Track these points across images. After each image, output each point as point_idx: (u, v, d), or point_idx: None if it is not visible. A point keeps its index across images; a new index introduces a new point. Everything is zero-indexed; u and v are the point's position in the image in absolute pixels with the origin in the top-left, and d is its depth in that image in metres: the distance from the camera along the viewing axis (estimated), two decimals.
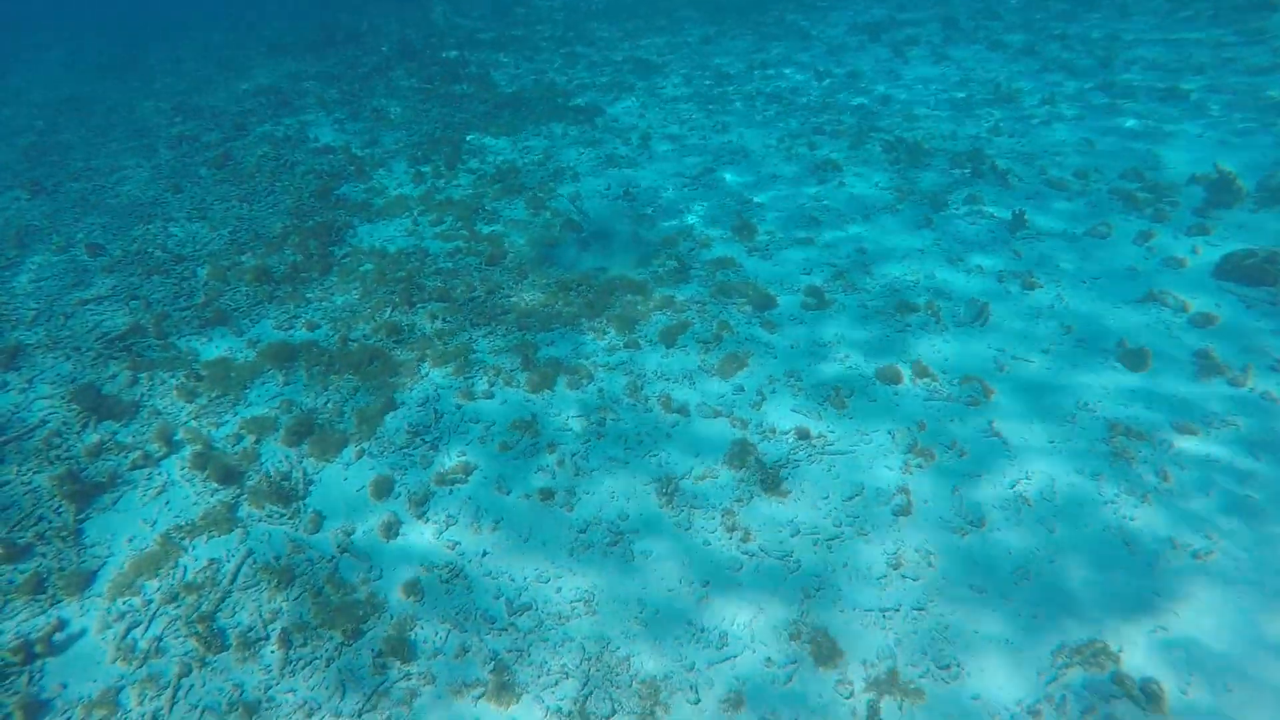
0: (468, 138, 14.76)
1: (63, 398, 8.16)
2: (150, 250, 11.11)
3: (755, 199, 11.67)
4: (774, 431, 7.21)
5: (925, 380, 7.70)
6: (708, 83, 17.15)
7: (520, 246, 10.64)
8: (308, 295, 9.92)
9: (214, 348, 8.95)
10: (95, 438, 7.60)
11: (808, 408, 7.45)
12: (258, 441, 7.44)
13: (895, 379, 7.70)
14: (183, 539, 6.45)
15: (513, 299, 9.40)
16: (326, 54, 21.56)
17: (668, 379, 7.93)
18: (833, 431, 7.16)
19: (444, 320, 9.12)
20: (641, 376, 7.98)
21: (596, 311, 9.00)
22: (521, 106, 16.13)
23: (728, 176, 12.45)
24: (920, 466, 6.73)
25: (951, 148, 12.72)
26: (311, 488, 6.95)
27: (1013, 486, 6.47)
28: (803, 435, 7.07)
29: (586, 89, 17.36)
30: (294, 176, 13.58)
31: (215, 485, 6.96)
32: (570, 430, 7.38)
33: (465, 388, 7.98)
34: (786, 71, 17.46)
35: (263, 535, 6.49)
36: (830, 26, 20.55)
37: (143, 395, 8.17)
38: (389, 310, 9.41)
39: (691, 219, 11.16)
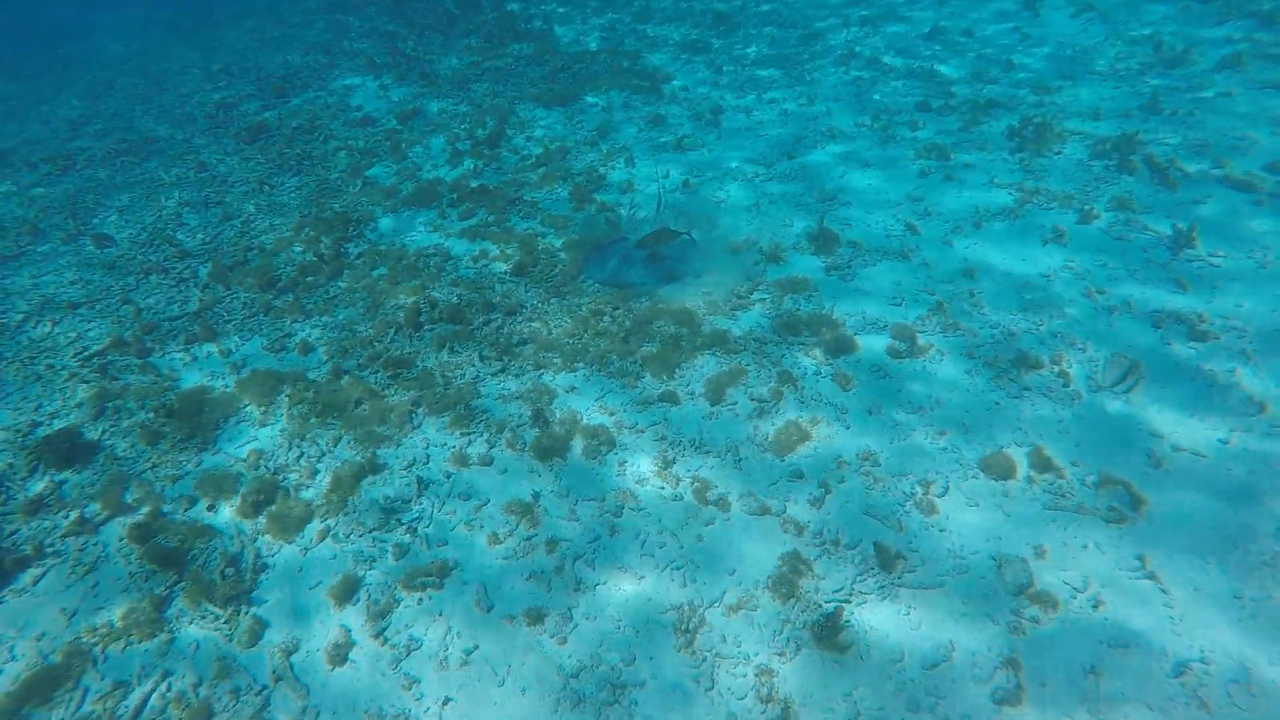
0: (517, 108, 13.12)
1: (18, 430, 7.17)
2: (157, 242, 10.07)
3: (840, 196, 9.64)
4: (838, 545, 5.48)
5: (1047, 477, 5.78)
6: (793, 41, 14.85)
7: (555, 251, 9.04)
8: (308, 306, 8.65)
9: (195, 371, 7.80)
10: (40, 486, 6.57)
11: (886, 511, 5.68)
12: (212, 508, 6.23)
13: (1005, 472, 5.81)
14: (95, 645, 5.31)
15: (535, 324, 7.86)
16: (385, 7, 20.14)
17: (707, 452, 6.27)
18: (916, 552, 5.38)
19: (451, 350, 7.68)
20: (675, 445, 6.35)
21: (631, 348, 7.36)
22: (581, 70, 14.33)
23: (809, 164, 10.41)
24: (1037, 623, 4.91)
25: (1093, 131, 10.26)
26: (260, 578, 5.69)
27: (1179, 675, 4.58)
28: (883, 561, 5.31)
29: (657, 47, 15.36)
30: (325, 153, 12.31)
31: (152, 567, 5.79)
32: (578, 520, 5.85)
33: (460, 448, 6.55)
34: (888, 29, 14.94)
35: (188, 647, 5.29)
36: None
37: (105, 433, 7.09)
38: (392, 333, 8.03)
39: (758, 222, 9.26)
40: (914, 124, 11.15)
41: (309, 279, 9.15)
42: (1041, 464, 5.82)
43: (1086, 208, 8.61)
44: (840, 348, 7.11)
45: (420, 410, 7.01)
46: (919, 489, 5.77)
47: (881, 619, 5.02)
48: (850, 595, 5.15)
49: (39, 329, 8.70)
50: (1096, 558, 5.19)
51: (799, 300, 7.84)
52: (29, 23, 26.30)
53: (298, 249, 9.72)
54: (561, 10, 18.31)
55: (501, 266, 8.91)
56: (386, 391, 7.26)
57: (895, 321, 7.40)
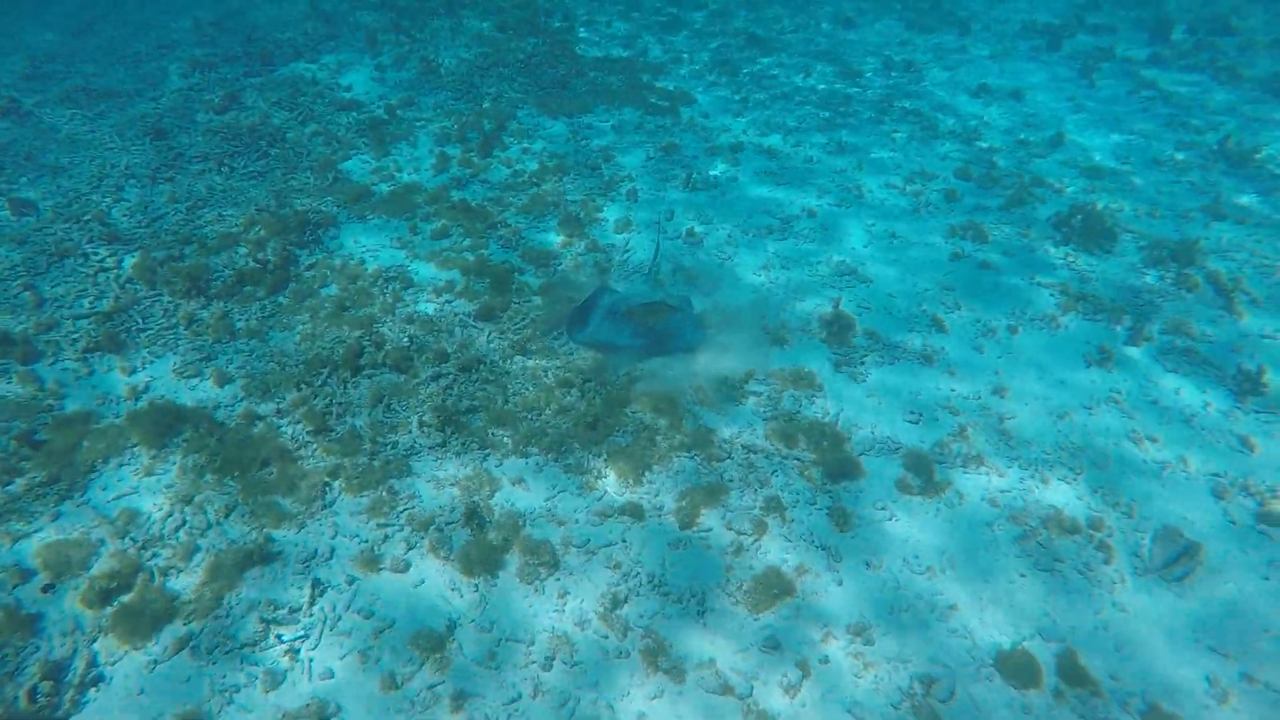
0: (519, 113, 11.93)
1: None
2: (86, 218, 8.83)
3: (859, 270, 8.52)
4: None
5: (1081, 692, 4.68)
6: (829, 79, 13.72)
7: (530, 294, 7.89)
8: (236, 325, 7.45)
9: (85, 390, 6.59)
10: None
11: (877, 713, 4.56)
12: (51, 587, 5.05)
13: (1027, 678, 4.71)
14: None
15: (490, 387, 6.70)
16: None
17: (666, 594, 5.14)
18: None
19: (388, 408, 6.51)
20: (630, 579, 5.22)
21: (598, 435, 6.22)
22: (595, 79, 13.15)
23: (830, 229, 9.29)
24: None
25: (1150, 231, 9.19)
26: (86, 697, 4.51)
27: None
28: None
29: (681, 62, 14.19)
30: (301, 137, 11.08)
31: None
32: (496, 669, 4.71)
33: (374, 544, 5.38)
34: (932, 76, 13.84)
35: None
36: (998, 21, 16.56)
37: None
38: (325, 374, 6.85)
39: (766, 291, 8.14)
40: (951, 194, 10.04)
41: (246, 289, 7.96)
42: (1073, 673, 4.72)
43: (1138, 326, 7.53)
44: (842, 471, 6.00)
45: (337, 484, 5.85)
46: (918, 689, 4.65)
47: None
48: None
49: None
50: None
51: (801, 400, 6.71)
52: None
53: (242, 250, 8.52)
54: (584, 13, 17.07)
55: (466, 306, 7.75)
56: (302, 453, 6.09)
57: (910, 446, 6.29)
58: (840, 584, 5.25)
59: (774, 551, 5.41)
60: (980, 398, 6.83)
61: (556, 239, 8.90)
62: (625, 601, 5.08)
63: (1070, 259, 8.74)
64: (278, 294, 7.97)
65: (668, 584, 5.19)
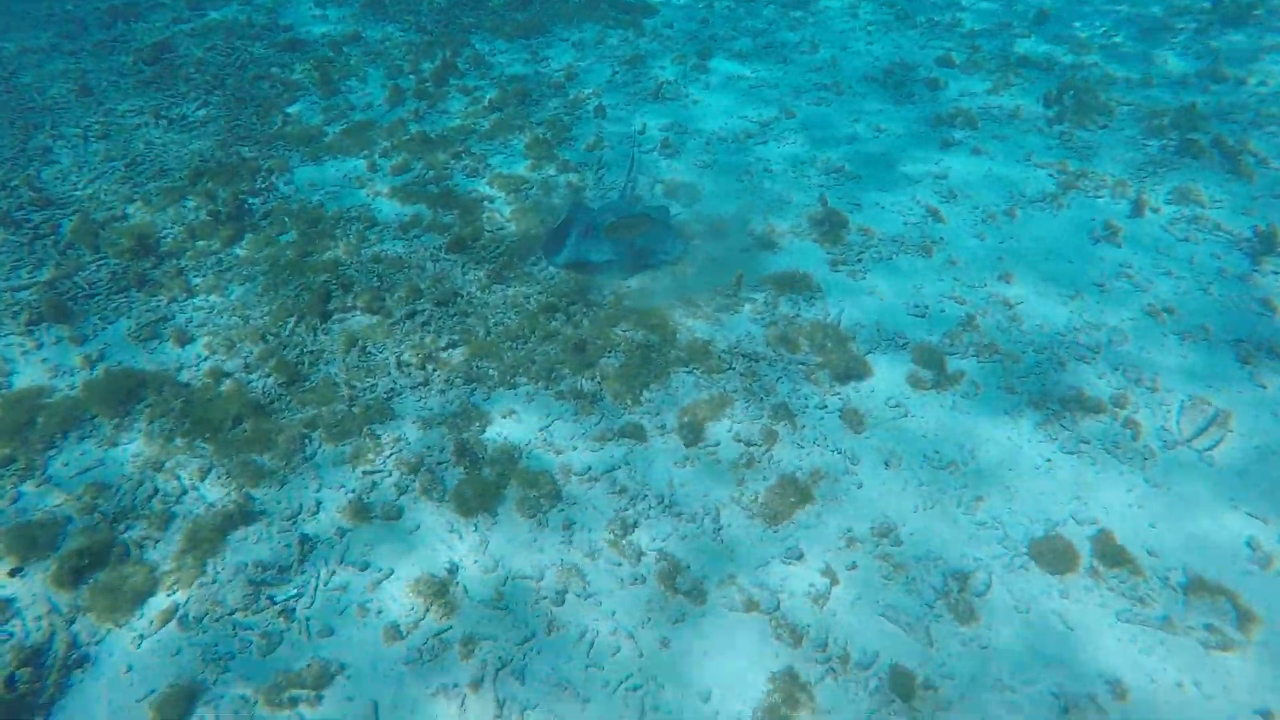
0: (473, 39, 11.19)
1: None
2: (13, 183, 8.18)
3: (846, 166, 8.07)
4: (846, 663, 4.13)
5: (1118, 573, 4.46)
6: None
7: (502, 223, 7.41)
8: (194, 281, 6.95)
9: (34, 364, 6.13)
10: None
11: (910, 615, 4.33)
12: (19, 571, 4.69)
13: (1063, 563, 4.48)
14: None
15: (470, 320, 6.28)
16: None
17: (679, 514, 4.85)
18: (951, 680, 4.05)
19: (363, 351, 6.10)
20: (638, 502, 4.92)
21: (589, 358, 5.84)
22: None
23: (811, 128, 8.79)
24: None
25: (1144, 100, 8.75)
26: (72, 680, 4.20)
27: None
28: (901, 691, 3.98)
29: None
30: (240, 82, 10.35)
31: None
32: (506, 610, 4.43)
33: (362, 493, 5.04)
34: None
35: None
36: None
37: None
38: (293, 323, 6.41)
39: (750, 196, 7.69)
40: (934, 82, 9.52)
41: (199, 244, 7.43)
42: (1110, 553, 4.49)
43: (1142, 197, 7.16)
44: (850, 372, 5.67)
45: (316, 435, 5.47)
46: (953, 584, 4.41)
47: None
48: None
49: None
50: (1199, 705, 3.90)
51: (799, 303, 6.35)
52: None
53: (191, 203, 7.94)
54: None
55: (436, 239, 7.26)
56: (276, 406, 5.69)
57: (918, 340, 5.96)
58: (860, 486, 4.97)
59: (787, 460, 5.12)
60: (986, 285, 6.49)
61: (524, 163, 8.36)
62: (635, 527, 4.78)
63: (1066, 137, 8.31)
64: (234, 246, 7.45)
65: (679, 504, 4.90)
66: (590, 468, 5.12)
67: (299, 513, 4.95)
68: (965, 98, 9.21)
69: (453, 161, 8.47)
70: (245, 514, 4.93)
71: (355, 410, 5.62)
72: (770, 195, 7.65)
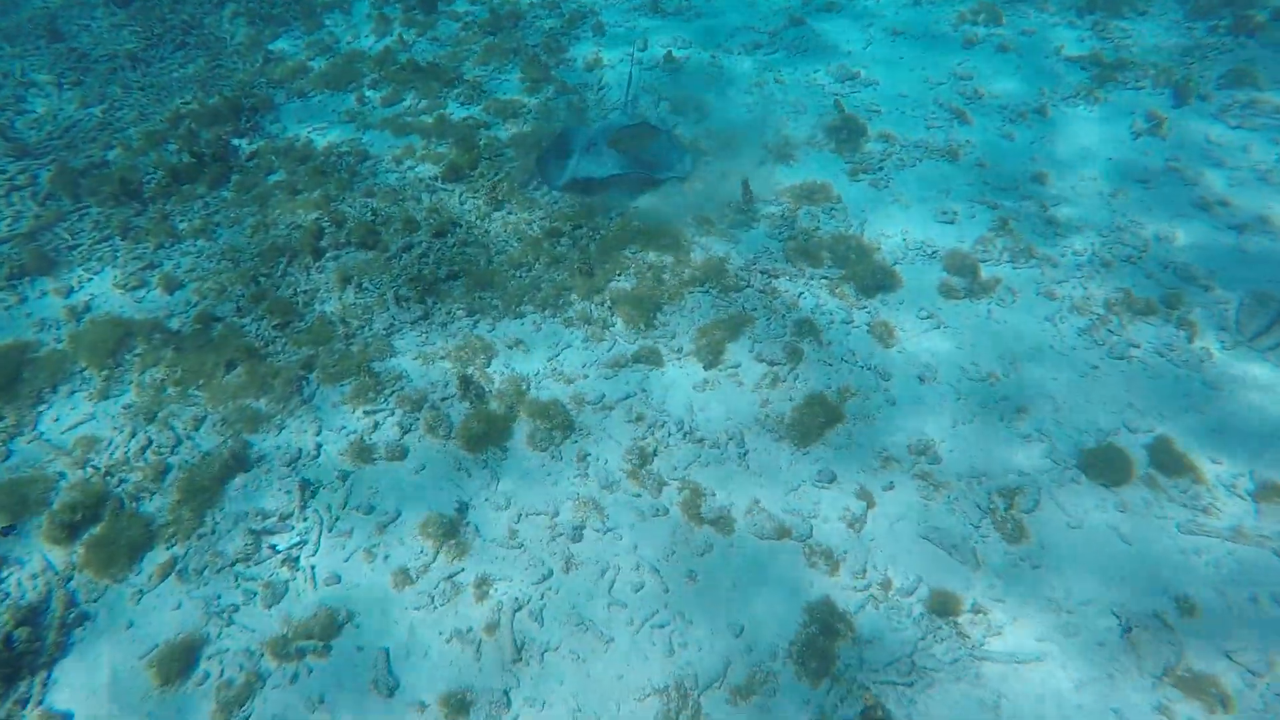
0: None
1: None
2: None
3: (863, 73, 7.53)
4: (887, 590, 3.86)
5: (1178, 482, 4.12)
6: None
7: (501, 149, 6.98)
8: (179, 226, 6.62)
9: (19, 319, 5.86)
10: None
11: (953, 537, 4.03)
12: (10, 529, 4.48)
13: (1117, 474, 4.14)
14: None
15: (470, 250, 5.92)
16: None
17: (700, 440, 4.54)
18: (1001, 602, 3.77)
19: (359, 288, 5.77)
20: (657, 430, 4.61)
21: (596, 283, 5.49)
22: None
23: (822, 35, 8.20)
24: None
25: None
26: (73, 638, 4.01)
27: None
28: (943, 610, 3.70)
29: None
30: (218, 21, 9.82)
31: None
32: (521, 548, 4.17)
33: (363, 433, 4.77)
34: None
35: None
36: None
37: None
38: (284, 263, 6.08)
39: (761, 108, 7.19)
40: None
41: (184, 187, 7.07)
42: (1169, 463, 4.15)
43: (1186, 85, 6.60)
44: (876, 283, 5.28)
45: (313, 377, 5.18)
46: (999, 501, 4.10)
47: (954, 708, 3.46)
48: (910, 674, 3.55)
49: None
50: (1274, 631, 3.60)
51: (818, 215, 5.93)
52: None
53: (173, 147, 7.55)
54: None
55: (431, 169, 6.85)
56: (270, 349, 5.40)
57: (948, 247, 5.55)
58: (893, 403, 4.64)
59: (813, 379, 4.77)
60: (1018, 187, 6.02)
61: (521, 87, 7.86)
62: (655, 455, 4.49)
63: (1099, 26, 7.69)
64: (220, 188, 7.08)
65: (699, 429, 4.59)
66: (604, 396, 4.81)
67: (299, 458, 4.69)
68: None
69: (445, 90, 7.99)
70: (243, 461, 4.67)
71: (354, 349, 5.31)
72: (783, 106, 7.14)
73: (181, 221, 6.68)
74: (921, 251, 5.56)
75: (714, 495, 4.26)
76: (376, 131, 7.55)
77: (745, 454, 4.45)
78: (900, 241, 5.66)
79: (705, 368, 4.91)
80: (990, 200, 5.91)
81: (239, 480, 4.58)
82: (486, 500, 4.38)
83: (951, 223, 5.77)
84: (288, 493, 4.50)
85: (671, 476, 4.38)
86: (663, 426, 4.61)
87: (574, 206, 6.11)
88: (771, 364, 4.86)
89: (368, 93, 8.12)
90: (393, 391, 5.02)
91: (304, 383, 5.15)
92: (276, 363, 5.29)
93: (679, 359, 4.98)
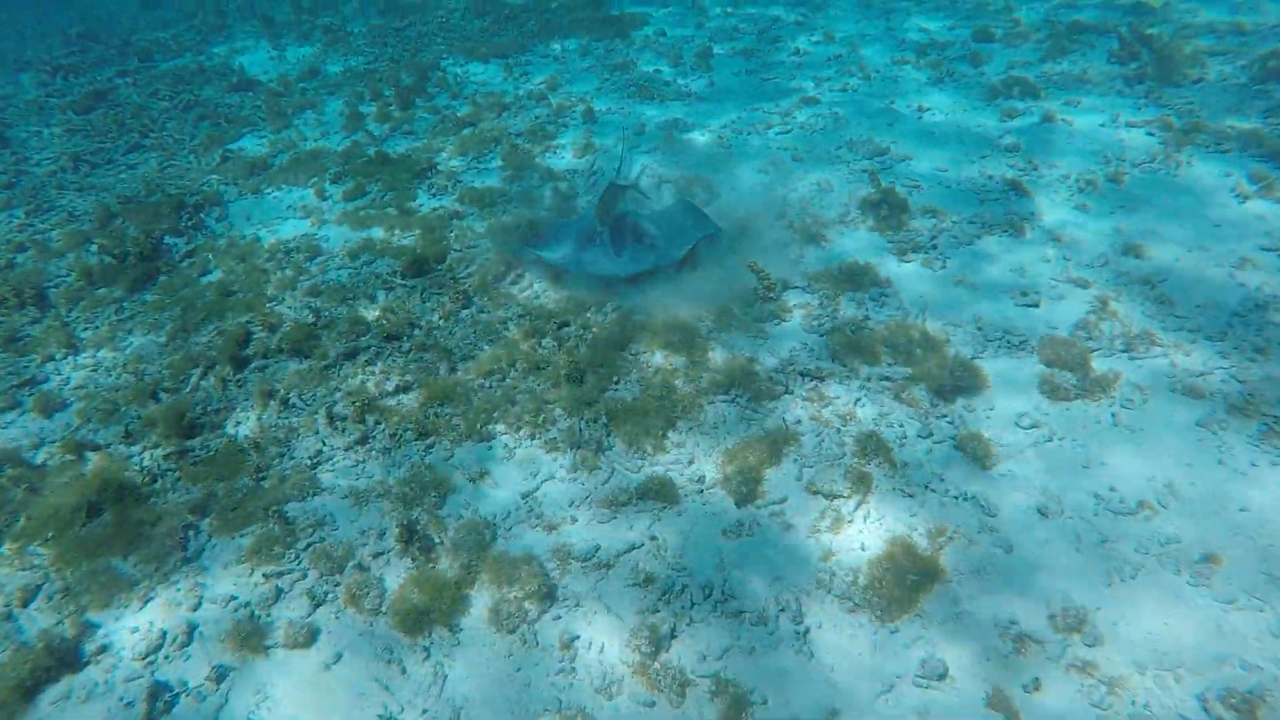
0: (444, 64, 9.93)
1: None
2: None
3: (893, 148, 6.57)
4: None
5: None
6: None
7: (475, 241, 5.89)
8: (82, 333, 5.42)
9: None
10: None
11: None
12: None
13: None
14: None
15: (428, 357, 4.68)
16: None
17: (741, 613, 3.13)
18: None
19: (284, 404, 4.49)
20: (672, 599, 3.22)
21: (591, 392, 4.21)
22: (529, 19, 11.14)
23: (840, 113, 7.32)
24: None
25: (1244, 48, 7.26)
26: None
27: None
28: None
29: None
30: (182, 123, 9.05)
31: None
32: None
33: (254, 609, 3.35)
34: None
35: None
36: None
37: None
38: (197, 374, 4.82)
39: (779, 187, 6.18)
40: (976, 57, 8.10)
41: (98, 291, 5.93)
42: None
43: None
44: (956, 384, 4.00)
45: (206, 524, 3.81)
46: (1225, 714, 2.65)
47: None
48: None
49: None
50: None
51: (865, 302, 4.72)
52: None
53: (94, 247, 6.48)
54: None
55: (391, 264, 5.73)
56: (157, 486, 4.05)
57: (1038, 333, 4.31)
58: (1009, 549, 3.25)
59: (891, 516, 3.41)
60: (1109, 262, 4.86)
61: (501, 175, 6.90)
62: (673, 637, 3.06)
63: (1154, 94, 6.81)
64: (142, 290, 5.95)
65: (736, 595, 3.18)
66: (598, 548, 3.42)
67: (159, 648, 3.25)
68: (1018, 68, 7.76)
69: (416, 181, 7.02)
70: (70, 656, 3.23)
71: (265, 484, 3.97)
72: (803, 181, 6.13)
73: (84, 330, 5.48)
74: (1004, 341, 4.32)
75: (765, 703, 2.80)
76: (334, 226, 6.50)
77: (805, 632, 3.03)
78: (974, 330, 4.43)
79: (738, 503, 3.55)
80: (1078, 277, 4.73)
81: (59, 688, 3.13)
82: (425, 714, 2.92)
83: (1035, 305, 4.56)
84: (129, 705, 3.03)
85: (699, 672, 2.94)
86: (683, 593, 3.21)
87: (561, 300, 4.92)
88: (830, 497, 3.50)
89: (329, 186, 7.14)
90: (308, 545, 3.64)
91: (192, 532, 3.77)
92: (160, 505, 3.93)
93: (701, 492, 3.64)
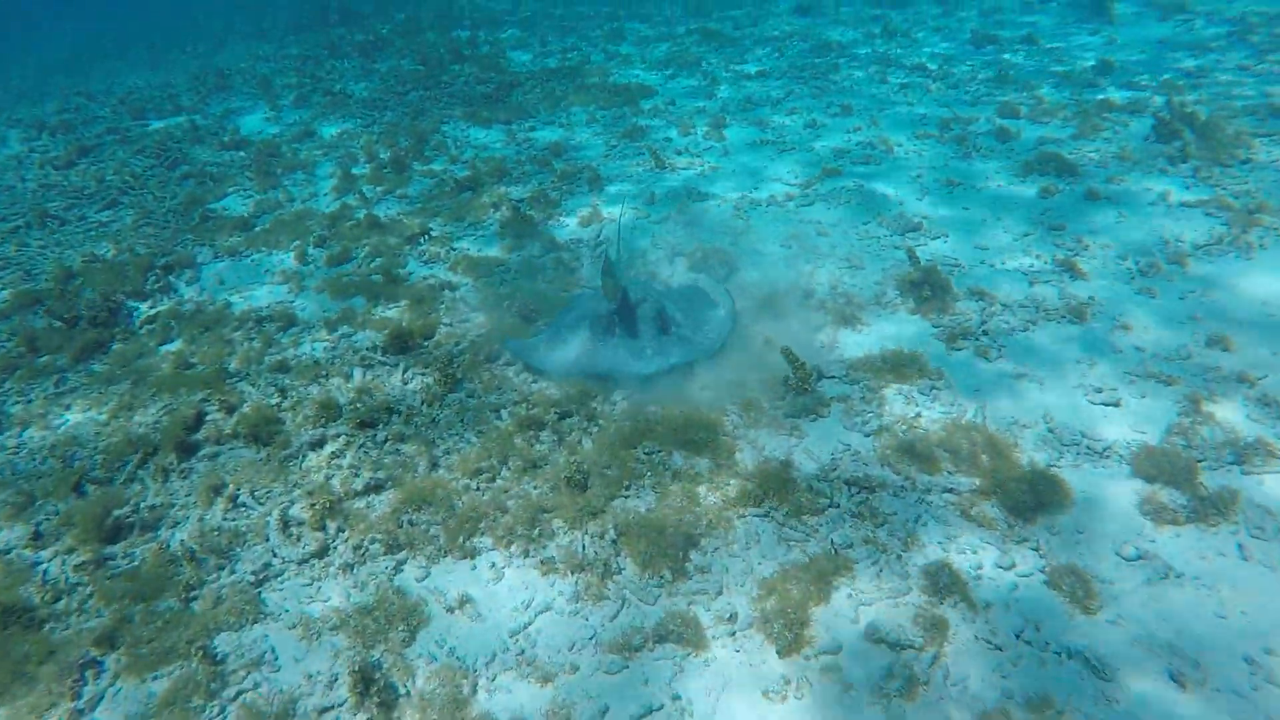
0: (444, 128, 9.55)
1: None
2: None
3: (925, 225, 6.06)
4: None
5: None
6: (805, 52, 11.63)
7: (468, 314, 5.28)
8: (9, 410, 4.72)
9: None
10: None
11: None
12: None
13: None
14: None
15: (408, 446, 3.99)
16: (309, 36, 16.80)
17: None
18: None
19: (232, 502, 3.77)
20: None
21: (596, 501, 3.51)
22: (534, 87, 10.85)
23: (866, 189, 6.85)
24: None
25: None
26: None
27: None
28: None
29: (632, 63, 12.03)
30: (166, 180, 8.56)
31: None
32: None
33: None
34: (923, 38, 11.83)
35: None
36: None
37: None
38: (135, 461, 4.11)
39: (805, 263, 5.63)
40: (1004, 132, 7.71)
41: (40, 360, 5.26)
42: None
43: None
44: (1036, 499, 3.31)
45: (111, 662, 3.04)
46: None
47: None
48: None
49: None
50: None
51: (914, 397, 4.08)
52: None
53: (41, 310, 5.85)
54: (517, 35, 15.02)
55: (372, 336, 5.10)
56: (60, 606, 3.29)
57: (1125, 440, 3.65)
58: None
59: (976, 677, 2.68)
60: (1191, 356, 4.25)
61: (500, 244, 6.35)
62: None
63: (1201, 173, 6.35)
64: (90, 360, 5.28)
65: None
66: (607, 710, 2.67)
67: None
68: (1049, 144, 7.35)
69: (407, 247, 6.47)
70: None
71: (196, 608, 3.22)
72: (831, 259, 5.58)
73: (14, 404, 4.79)
74: (1083, 448, 3.66)
75: None
76: (313, 294, 5.90)
77: None
78: (1045, 431, 3.78)
79: (780, 653, 2.82)
80: (1158, 373, 4.10)
81: None
82: None
83: (1115, 405, 3.92)
84: None
85: None
86: None
87: (561, 390, 4.27)
88: (898, 647, 2.77)
89: (311, 250, 6.58)
90: (238, 693, 2.87)
91: (92, 672, 3.01)
92: (57, 634, 3.17)
93: (734, 635, 2.90)
